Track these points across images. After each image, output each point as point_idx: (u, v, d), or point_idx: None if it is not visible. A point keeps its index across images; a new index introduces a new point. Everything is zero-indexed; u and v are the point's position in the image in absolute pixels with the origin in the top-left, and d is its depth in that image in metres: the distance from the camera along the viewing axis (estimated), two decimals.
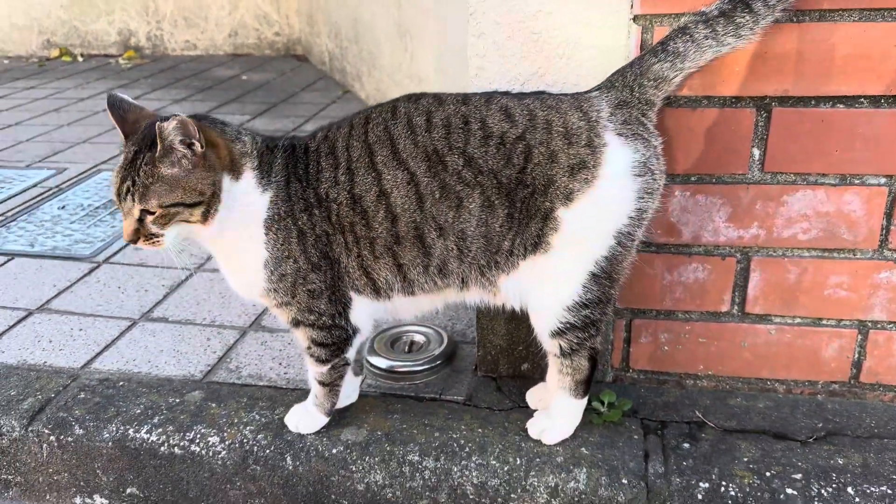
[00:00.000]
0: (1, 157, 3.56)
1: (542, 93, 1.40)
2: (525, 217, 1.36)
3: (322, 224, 1.42)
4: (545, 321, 1.43)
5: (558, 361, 1.48)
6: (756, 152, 1.53)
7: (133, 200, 1.30)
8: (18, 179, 3.24)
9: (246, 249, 1.45)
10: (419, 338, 1.94)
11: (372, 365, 1.83)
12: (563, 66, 1.51)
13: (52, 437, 1.66)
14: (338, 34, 4.86)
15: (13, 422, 1.69)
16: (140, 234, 1.33)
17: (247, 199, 1.40)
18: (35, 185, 3.16)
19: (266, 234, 1.43)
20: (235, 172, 1.38)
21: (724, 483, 1.47)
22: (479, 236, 1.38)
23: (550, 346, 1.47)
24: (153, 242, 1.34)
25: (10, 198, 3.03)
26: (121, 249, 2.54)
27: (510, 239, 1.38)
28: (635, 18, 1.46)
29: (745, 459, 1.52)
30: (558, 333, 1.43)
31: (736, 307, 1.65)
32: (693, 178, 1.56)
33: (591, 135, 1.32)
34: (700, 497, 1.46)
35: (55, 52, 6.23)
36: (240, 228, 1.42)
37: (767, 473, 1.49)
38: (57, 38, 6.27)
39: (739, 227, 1.58)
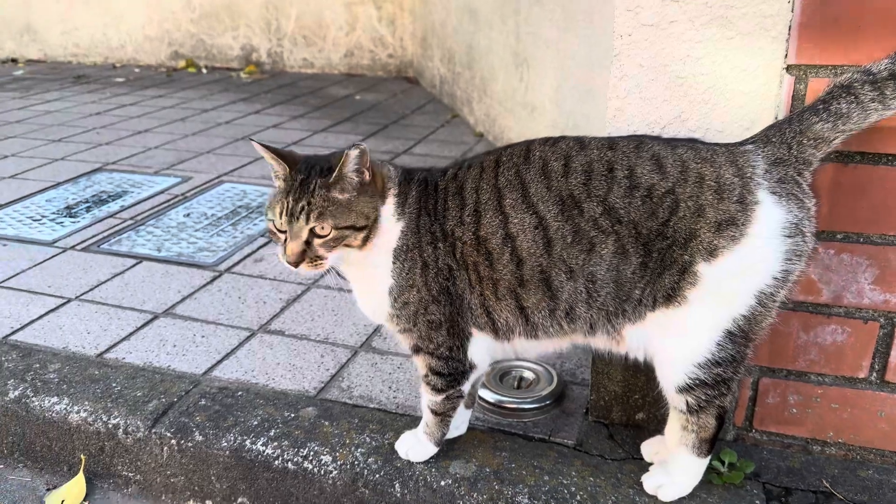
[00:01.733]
0: (131, 162, 3.78)
1: (696, 141, 1.36)
2: (659, 268, 1.32)
3: (445, 258, 1.43)
4: (673, 375, 1.39)
5: (683, 417, 1.43)
6: None
7: (307, 221, 1.34)
8: (147, 185, 3.43)
9: (374, 276, 1.48)
10: (528, 374, 1.91)
11: (480, 398, 1.82)
12: (707, 112, 1.47)
13: (173, 441, 1.73)
14: (451, 59, 4.93)
15: (138, 422, 1.77)
16: (305, 256, 1.37)
17: (384, 227, 1.43)
18: (162, 192, 3.33)
19: (393, 263, 1.45)
20: (383, 199, 1.42)
21: None
22: (609, 280, 1.35)
23: (676, 400, 1.42)
24: (316, 265, 1.38)
25: (139, 202, 3.21)
26: (242, 260, 2.64)
27: (640, 288, 1.34)
28: (789, 68, 1.41)
29: None
30: (686, 389, 1.38)
31: (875, 374, 1.55)
32: (839, 236, 1.48)
33: (744, 191, 1.27)
34: None
35: (182, 63, 6.60)
36: (374, 255, 1.45)
37: None
38: (184, 49, 6.64)
39: (886, 291, 1.49)
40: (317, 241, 1.36)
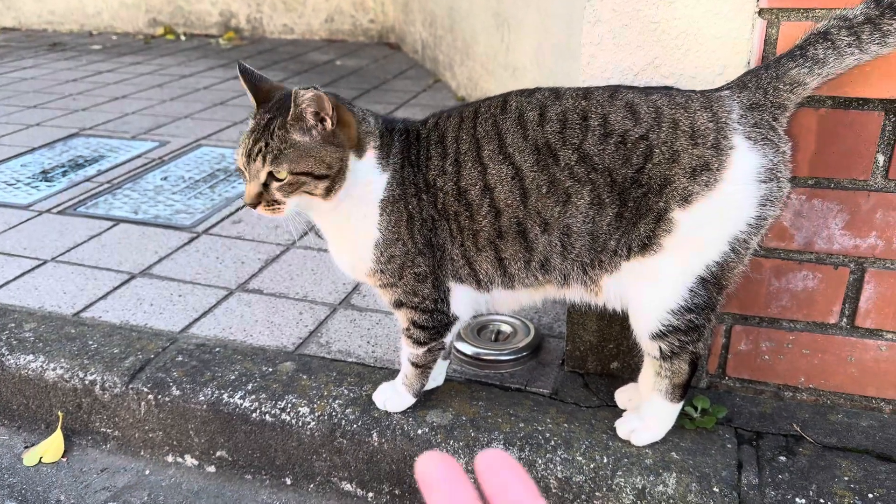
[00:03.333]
0: (108, 128, 3.73)
1: (670, 88, 1.35)
2: (635, 217, 1.32)
3: (428, 209, 1.43)
4: (646, 323, 1.40)
5: (656, 363, 1.44)
6: (881, 158, 1.45)
7: (263, 162, 1.32)
8: (124, 149, 3.39)
9: (358, 229, 1.45)
10: (506, 328, 1.93)
11: (458, 350, 1.83)
12: (680, 58, 1.46)
13: (150, 396, 1.73)
14: (432, 23, 4.88)
15: (115, 378, 1.76)
16: (262, 198, 1.34)
17: (367, 179, 1.40)
18: (139, 156, 3.29)
19: (380, 216, 1.43)
20: (360, 151, 1.39)
21: (822, 501, 1.41)
22: (584, 233, 1.35)
23: (650, 347, 1.43)
24: (273, 210, 1.35)
25: (115, 166, 3.17)
26: (220, 222, 2.62)
27: (616, 238, 1.34)
28: (761, 12, 1.40)
29: (846, 478, 1.45)
30: (659, 336, 1.39)
31: (845, 320, 1.57)
32: (810, 182, 1.49)
33: (719, 136, 1.27)
34: None
35: (160, 31, 6.48)
36: (355, 207, 1.42)
37: (870, 495, 1.41)
38: (162, 16, 6.52)
39: (856, 236, 1.51)
40: (274, 185, 1.33)
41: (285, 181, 1.32)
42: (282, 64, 5.27)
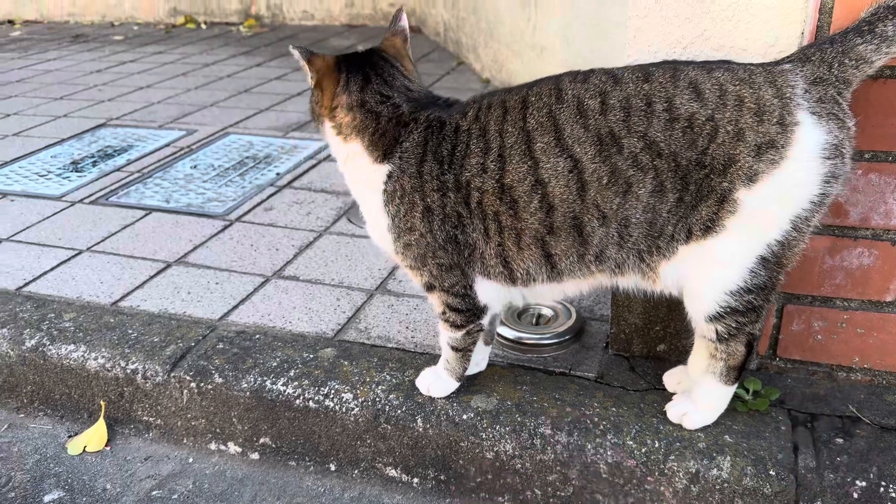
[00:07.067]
0: (135, 118, 3.73)
1: (729, 62, 1.30)
2: (696, 200, 1.27)
3: (455, 206, 1.39)
4: (704, 304, 1.35)
5: (712, 346, 1.41)
6: None
7: None
8: (152, 138, 3.39)
9: (370, 209, 1.49)
10: (547, 311, 1.90)
11: (499, 334, 1.80)
12: (730, 29, 1.41)
13: (192, 384, 1.72)
14: (455, 4, 4.82)
15: (157, 367, 1.76)
16: None
17: (358, 163, 1.45)
18: (167, 145, 3.29)
19: (386, 205, 1.44)
20: (342, 133, 1.45)
21: (883, 483, 1.37)
22: (643, 222, 1.31)
23: (706, 329, 1.39)
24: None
25: (144, 155, 3.17)
26: (252, 209, 2.61)
27: (673, 223, 1.30)
28: None
29: None
30: (717, 318, 1.35)
31: None
32: (867, 156, 1.44)
33: (784, 112, 1.22)
34: (856, 496, 1.36)
35: (181, 20, 6.48)
36: (360, 186, 1.49)
37: None
38: (182, 5, 6.52)
39: None
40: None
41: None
42: None
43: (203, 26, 6.35)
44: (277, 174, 2.91)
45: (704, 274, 1.33)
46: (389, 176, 1.42)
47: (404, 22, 1.54)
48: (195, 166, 3.01)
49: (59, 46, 5.64)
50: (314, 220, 2.52)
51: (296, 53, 1.42)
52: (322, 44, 5.44)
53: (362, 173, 1.45)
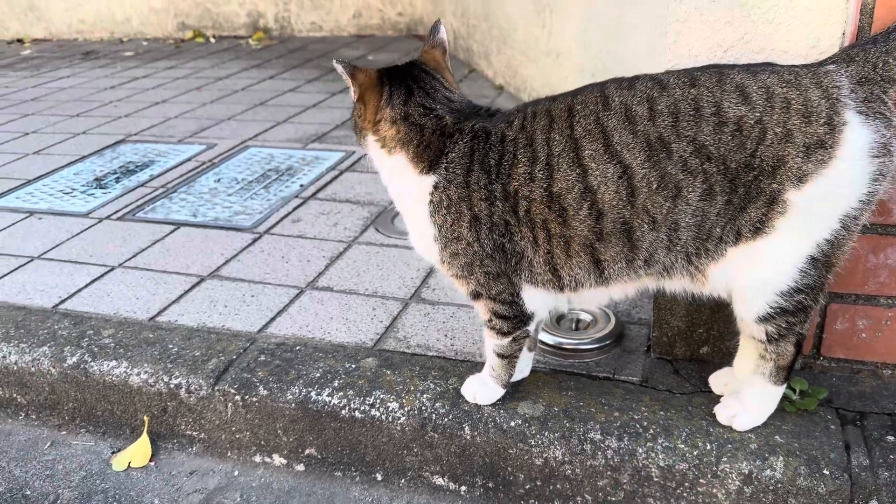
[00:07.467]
0: (153, 133, 3.75)
1: (772, 64, 1.31)
2: (744, 202, 1.28)
3: (503, 215, 1.40)
4: (754, 306, 1.36)
5: (761, 346, 1.41)
6: None
7: None
8: (172, 153, 3.40)
9: (415, 220, 1.50)
10: (585, 316, 1.90)
11: (539, 340, 1.81)
12: (771, 32, 1.42)
13: (237, 397, 1.73)
14: (464, 13, 4.84)
15: (201, 381, 1.77)
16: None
17: (403, 174, 1.46)
18: (189, 160, 3.31)
19: (432, 215, 1.45)
20: (386, 146, 1.46)
21: None
22: (692, 225, 1.32)
23: (756, 330, 1.39)
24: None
25: (167, 171, 3.19)
26: (279, 221, 2.62)
27: (721, 225, 1.31)
28: None
29: None
30: (767, 318, 1.36)
31: None
32: None
33: (832, 112, 1.23)
34: None
35: (189, 34, 6.52)
36: (404, 196, 1.50)
37: None
38: (190, 20, 6.55)
39: None
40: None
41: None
42: (314, 62, 5.27)
43: (212, 40, 6.38)
44: (301, 186, 2.92)
45: (754, 275, 1.34)
46: (435, 186, 1.43)
47: (443, 34, 1.55)
48: (219, 180, 3.03)
49: (71, 64, 5.67)
50: (342, 230, 2.53)
51: (339, 68, 1.43)
52: (332, 54, 5.46)
53: (407, 185, 1.47)
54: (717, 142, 1.27)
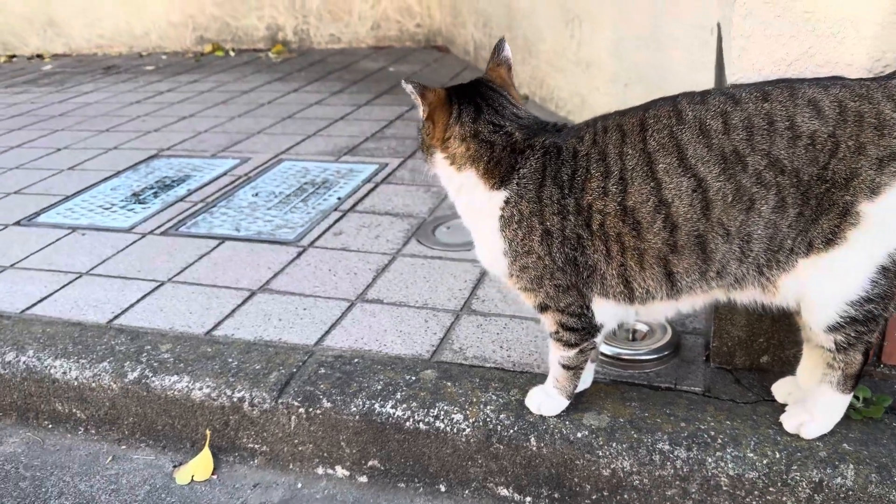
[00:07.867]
0: (185, 147, 3.79)
1: (842, 78, 1.33)
2: (816, 213, 1.31)
3: (576, 229, 1.42)
4: (824, 315, 1.38)
5: (829, 355, 1.43)
6: None
7: None
8: (207, 168, 3.44)
9: (484, 234, 1.52)
10: (642, 326, 1.92)
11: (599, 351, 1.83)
12: (835, 46, 1.44)
13: (300, 409, 1.75)
14: (486, 23, 4.88)
15: (264, 394, 1.79)
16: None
17: (472, 191, 1.49)
18: (224, 174, 3.34)
19: (502, 231, 1.48)
20: (455, 163, 1.48)
21: None
22: (764, 237, 1.34)
23: (825, 339, 1.41)
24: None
25: (204, 185, 3.22)
26: (322, 234, 2.65)
27: (792, 237, 1.33)
28: None
29: None
30: (837, 328, 1.38)
31: None
32: None
33: None
34: None
35: (208, 48, 6.57)
36: (474, 212, 1.52)
37: None
38: (209, 34, 6.60)
39: None
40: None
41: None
42: (335, 74, 5.31)
43: (231, 53, 6.43)
44: (339, 199, 2.95)
45: (825, 285, 1.36)
46: (507, 202, 1.45)
47: (508, 52, 1.57)
48: (257, 194, 3.06)
49: (94, 79, 5.72)
50: (384, 242, 2.55)
51: (408, 88, 1.45)
52: (353, 67, 5.51)
53: (477, 200, 1.49)
54: (790, 155, 1.29)
